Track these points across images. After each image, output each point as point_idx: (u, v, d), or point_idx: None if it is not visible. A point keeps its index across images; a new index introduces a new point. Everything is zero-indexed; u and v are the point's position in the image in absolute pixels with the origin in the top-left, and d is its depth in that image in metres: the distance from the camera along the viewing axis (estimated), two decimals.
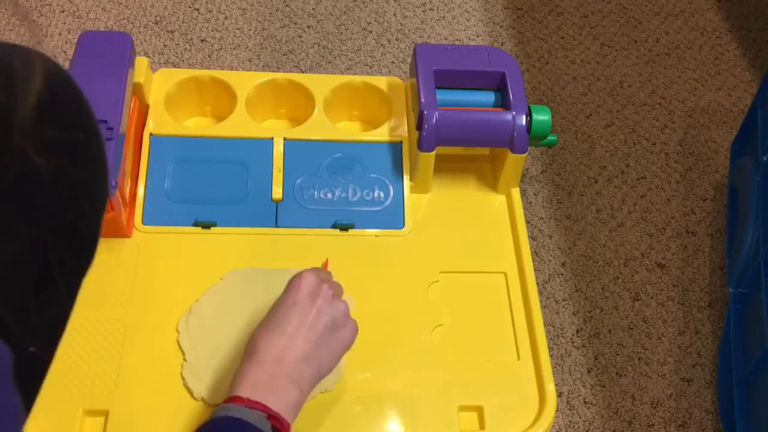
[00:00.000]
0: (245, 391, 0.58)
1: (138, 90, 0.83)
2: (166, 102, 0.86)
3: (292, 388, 0.60)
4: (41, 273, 0.40)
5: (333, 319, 0.64)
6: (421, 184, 0.85)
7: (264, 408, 0.57)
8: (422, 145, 0.82)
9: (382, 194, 0.84)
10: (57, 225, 0.40)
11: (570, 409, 0.82)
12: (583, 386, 0.84)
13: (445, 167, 0.86)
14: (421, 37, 1.16)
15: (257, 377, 0.59)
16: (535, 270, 0.84)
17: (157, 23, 1.13)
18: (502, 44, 1.17)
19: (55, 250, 0.40)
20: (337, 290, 0.68)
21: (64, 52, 1.07)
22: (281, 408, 0.58)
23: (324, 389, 0.70)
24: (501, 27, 1.20)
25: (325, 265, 0.78)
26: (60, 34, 1.10)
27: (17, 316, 0.38)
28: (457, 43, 1.17)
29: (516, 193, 0.86)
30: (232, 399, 0.58)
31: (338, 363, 0.66)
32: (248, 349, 0.62)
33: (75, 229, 0.42)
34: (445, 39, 1.17)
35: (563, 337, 0.87)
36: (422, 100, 0.82)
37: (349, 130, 0.91)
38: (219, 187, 0.82)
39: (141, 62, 0.84)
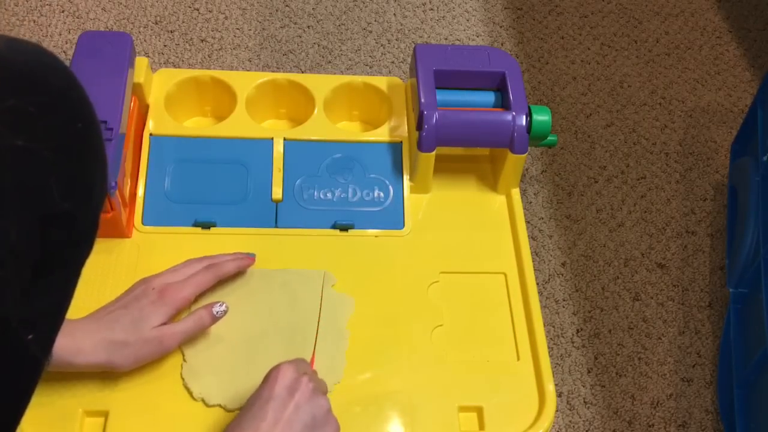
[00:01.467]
0: None
1: (138, 90, 0.83)
2: (166, 102, 0.86)
3: None
4: (40, 260, 0.40)
5: (313, 417, 0.60)
6: (421, 185, 0.85)
7: None
8: (422, 146, 0.82)
9: (382, 194, 0.84)
10: (55, 213, 0.40)
11: (570, 409, 0.82)
12: (583, 386, 0.84)
13: (445, 167, 0.86)
14: (421, 37, 1.16)
15: None
16: (535, 270, 0.84)
17: (157, 23, 1.13)
18: (502, 44, 1.17)
19: (54, 238, 0.40)
20: (319, 385, 0.64)
21: (64, 52, 1.07)
22: None
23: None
24: (501, 27, 1.20)
25: (312, 360, 0.71)
26: (60, 34, 1.10)
27: (15, 303, 0.38)
28: (457, 43, 1.17)
29: (516, 193, 0.86)
30: None
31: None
32: None
33: (74, 219, 0.42)
34: (445, 39, 1.17)
35: (563, 337, 0.87)
36: (422, 100, 0.82)
37: (349, 130, 0.91)
38: (219, 188, 0.82)
39: (141, 62, 0.84)
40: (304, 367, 0.64)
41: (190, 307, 0.72)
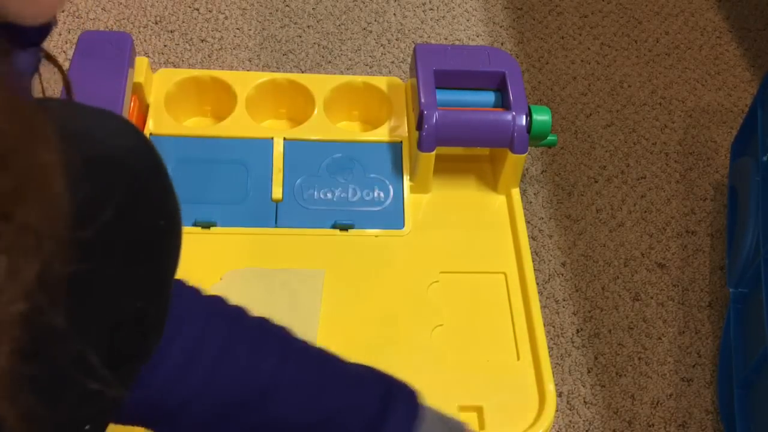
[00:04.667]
0: None
1: (138, 90, 0.83)
2: (166, 102, 0.86)
3: None
4: (107, 357, 0.37)
5: None
6: (421, 184, 0.85)
7: None
8: (422, 145, 0.82)
9: (382, 194, 0.84)
10: (128, 312, 0.38)
11: (570, 409, 0.82)
12: (583, 386, 0.84)
13: (445, 167, 0.86)
14: (421, 37, 1.16)
15: None
16: (535, 270, 0.84)
17: (157, 23, 1.13)
18: (502, 44, 1.17)
19: (123, 336, 0.38)
20: None
21: (64, 52, 1.07)
22: None
23: None
24: (501, 27, 1.20)
25: None
26: (60, 34, 1.10)
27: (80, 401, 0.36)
28: (457, 43, 1.17)
29: (516, 193, 0.86)
30: None
31: None
32: None
33: (144, 315, 0.39)
34: (445, 39, 1.17)
35: (563, 337, 0.87)
36: (422, 100, 0.82)
37: (349, 130, 0.91)
38: (219, 187, 0.82)
39: (141, 62, 0.84)
40: None
41: None
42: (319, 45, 1.13)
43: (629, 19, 1.24)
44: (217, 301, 0.48)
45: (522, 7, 1.23)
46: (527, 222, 0.92)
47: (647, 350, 0.87)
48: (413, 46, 0.98)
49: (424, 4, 1.21)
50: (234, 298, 0.74)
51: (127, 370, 0.40)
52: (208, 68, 1.07)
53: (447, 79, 0.85)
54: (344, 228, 0.81)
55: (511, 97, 0.83)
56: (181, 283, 0.42)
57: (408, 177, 0.85)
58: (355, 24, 1.17)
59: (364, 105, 0.92)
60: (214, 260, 0.77)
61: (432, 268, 0.80)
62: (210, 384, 0.46)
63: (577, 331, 0.88)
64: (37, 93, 0.37)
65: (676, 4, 1.27)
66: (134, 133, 0.39)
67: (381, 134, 0.88)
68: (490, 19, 1.21)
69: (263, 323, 0.51)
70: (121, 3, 1.15)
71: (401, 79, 0.93)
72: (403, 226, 0.83)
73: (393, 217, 0.83)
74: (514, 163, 0.83)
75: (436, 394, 0.71)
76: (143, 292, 0.39)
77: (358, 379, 0.51)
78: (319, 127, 0.87)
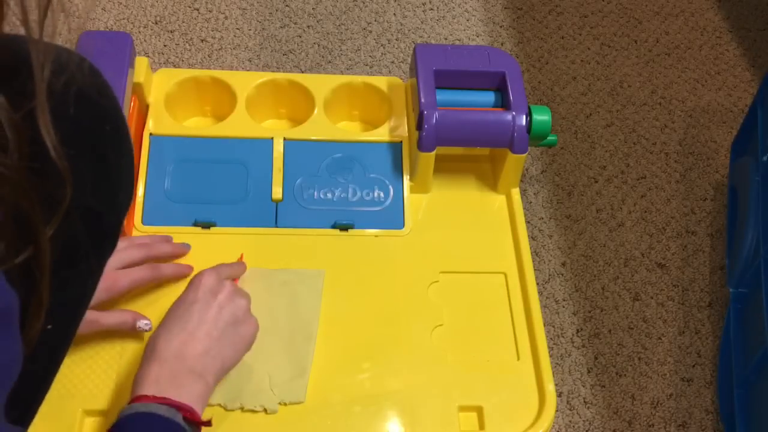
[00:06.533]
0: (149, 389, 0.57)
1: (138, 90, 0.83)
2: (166, 102, 0.86)
3: (196, 380, 0.58)
4: (64, 254, 0.40)
5: (234, 315, 0.64)
6: (421, 184, 0.85)
7: (171, 402, 0.56)
8: (422, 145, 0.82)
9: (382, 194, 0.84)
10: (82, 208, 0.40)
11: (570, 409, 0.82)
12: (583, 386, 0.84)
13: (445, 167, 0.86)
14: (421, 37, 1.16)
15: (159, 374, 0.58)
16: (535, 270, 0.84)
17: (157, 23, 1.13)
18: (502, 44, 1.17)
19: (80, 233, 0.41)
20: (238, 289, 0.67)
21: None
22: (188, 400, 0.57)
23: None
24: (501, 27, 1.20)
25: (240, 258, 0.77)
26: (60, 34, 1.10)
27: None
28: (457, 43, 1.17)
29: (516, 193, 0.86)
30: (137, 399, 0.56)
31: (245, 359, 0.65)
32: (147, 350, 0.60)
33: (99, 217, 0.42)
34: (445, 39, 1.17)
35: (563, 337, 0.87)
36: (422, 100, 0.82)
37: (349, 130, 0.91)
38: (219, 187, 0.82)
39: (141, 62, 0.84)
40: (225, 272, 0.68)
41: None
42: (319, 45, 1.13)
43: (629, 19, 1.24)
44: None
45: (522, 7, 1.23)
46: (527, 222, 0.92)
47: (647, 350, 0.87)
48: (413, 46, 0.98)
49: (424, 4, 1.21)
50: None
51: (84, 272, 0.44)
52: (208, 68, 1.07)
53: (447, 79, 0.85)
54: (344, 228, 0.81)
55: (511, 97, 0.83)
56: None
57: (408, 177, 0.85)
58: (355, 24, 1.17)
59: (364, 105, 0.92)
60: (214, 260, 0.77)
61: (432, 268, 0.80)
62: None
63: (577, 331, 0.88)
64: None
65: (676, 4, 1.27)
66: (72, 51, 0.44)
67: (381, 134, 0.88)
68: (490, 19, 1.21)
69: None
70: (121, 3, 1.15)
71: (401, 79, 0.93)
72: (403, 226, 0.83)
73: (393, 217, 0.83)
74: (514, 163, 0.83)
75: (436, 394, 0.71)
76: (96, 192, 0.42)
77: None
78: (319, 127, 0.87)
